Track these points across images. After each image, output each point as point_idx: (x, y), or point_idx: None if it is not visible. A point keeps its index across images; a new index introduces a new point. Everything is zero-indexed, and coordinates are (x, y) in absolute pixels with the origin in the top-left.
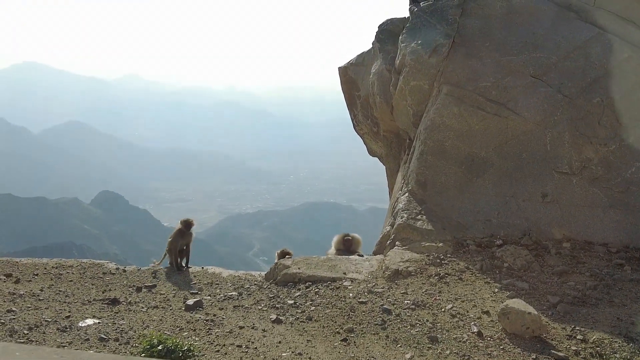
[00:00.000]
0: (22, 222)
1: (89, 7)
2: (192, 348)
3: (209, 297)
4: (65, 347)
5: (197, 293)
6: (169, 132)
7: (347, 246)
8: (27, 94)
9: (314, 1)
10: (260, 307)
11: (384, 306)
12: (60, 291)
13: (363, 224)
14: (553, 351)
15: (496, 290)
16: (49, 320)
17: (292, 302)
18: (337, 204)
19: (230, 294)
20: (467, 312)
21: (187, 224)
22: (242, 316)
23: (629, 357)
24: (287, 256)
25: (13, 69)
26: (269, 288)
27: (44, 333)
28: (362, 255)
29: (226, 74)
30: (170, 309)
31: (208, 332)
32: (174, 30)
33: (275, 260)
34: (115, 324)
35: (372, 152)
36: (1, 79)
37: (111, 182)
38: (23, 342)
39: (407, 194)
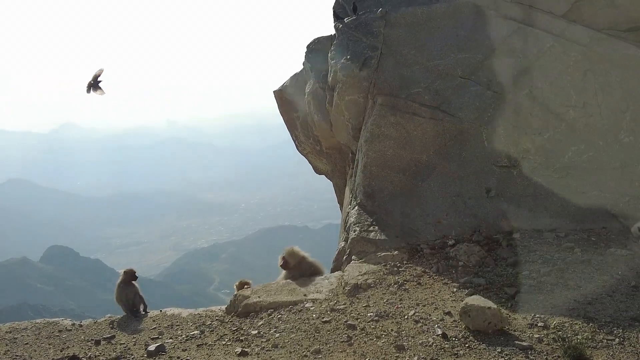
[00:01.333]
0: None
1: (14, 59)
2: None
3: (170, 340)
4: None
5: (158, 337)
6: (112, 177)
7: (284, 264)
8: None
9: (245, 25)
10: (224, 342)
11: (348, 322)
12: (17, 356)
13: (321, 242)
14: (517, 342)
15: (455, 289)
16: None
17: (256, 332)
18: (292, 226)
19: (193, 333)
20: (430, 315)
21: (129, 275)
22: (207, 354)
23: (590, 336)
24: (245, 286)
25: None
26: (231, 321)
27: None
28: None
29: (166, 111)
30: (132, 358)
31: None
32: (105, 71)
33: (235, 292)
34: None
35: (318, 170)
36: None
37: (59, 236)
38: None
39: (356, 207)
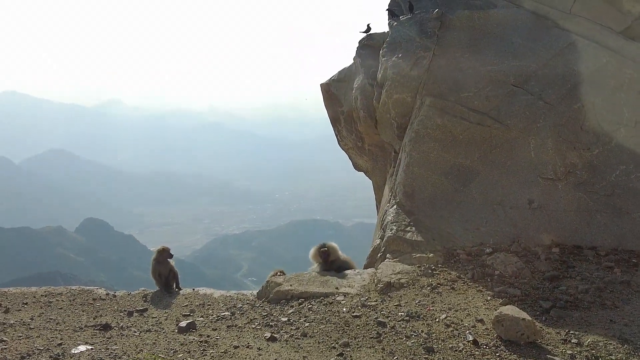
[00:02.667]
0: (6, 253)
1: (67, 35)
2: None
3: (201, 318)
4: None
5: (189, 315)
6: (152, 156)
7: (325, 257)
8: (8, 123)
9: (293, 20)
10: (254, 326)
11: (378, 319)
12: (51, 319)
13: (351, 240)
14: (549, 356)
15: (489, 298)
16: (41, 348)
17: (285, 319)
18: (324, 221)
19: (223, 314)
20: (462, 321)
21: (164, 253)
22: (236, 336)
23: (624, 358)
24: (279, 273)
25: None
26: (262, 306)
27: None
28: (344, 267)
29: (208, 95)
30: (163, 332)
31: (203, 353)
32: (154, 53)
33: (267, 279)
34: (108, 349)
35: (357, 167)
36: None
37: (95, 209)
38: None
39: (395, 207)
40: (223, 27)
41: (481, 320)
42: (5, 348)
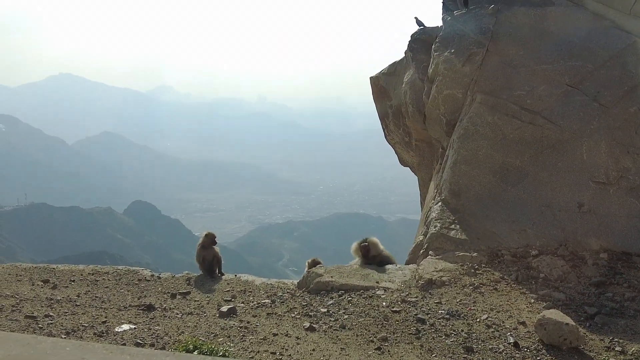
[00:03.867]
0: (57, 231)
1: (122, 21)
2: (227, 354)
3: (242, 305)
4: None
5: (230, 300)
6: (200, 143)
7: (365, 252)
8: (63, 105)
9: (343, 13)
10: (293, 315)
11: (418, 315)
12: (97, 297)
13: (393, 235)
14: None
15: (532, 301)
16: (86, 325)
17: (325, 310)
18: (366, 215)
19: (264, 301)
20: (503, 322)
21: (209, 239)
22: (276, 323)
23: None
24: (317, 265)
25: (49, 80)
26: (302, 296)
27: (81, 338)
28: (385, 262)
29: (257, 85)
30: (205, 316)
31: (242, 338)
32: (206, 44)
33: (306, 270)
34: (150, 329)
35: (403, 162)
36: (38, 91)
37: (144, 192)
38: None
39: (440, 203)
40: (275, 19)
41: (523, 323)
42: (52, 323)
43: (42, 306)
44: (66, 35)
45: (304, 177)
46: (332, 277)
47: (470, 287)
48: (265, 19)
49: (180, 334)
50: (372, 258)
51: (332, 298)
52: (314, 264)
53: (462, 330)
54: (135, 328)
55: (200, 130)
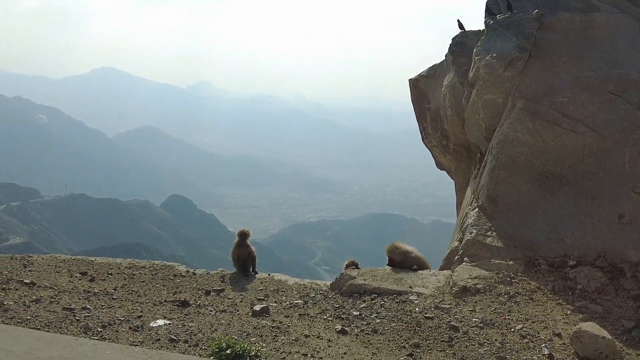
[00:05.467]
0: (95, 222)
1: (164, 18)
2: (259, 354)
3: (275, 304)
4: (139, 346)
5: (263, 299)
6: (237, 139)
7: (391, 262)
8: (104, 98)
9: (385, 13)
10: (325, 317)
11: (451, 323)
12: (133, 291)
13: (426, 237)
14: None
15: (568, 312)
16: (122, 319)
17: (357, 313)
18: (400, 216)
19: (296, 302)
20: (538, 333)
21: (242, 235)
22: (308, 325)
23: None
24: (352, 266)
25: (92, 73)
26: (334, 298)
27: (117, 331)
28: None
29: (294, 83)
30: (238, 314)
31: (274, 338)
32: (245, 41)
33: (342, 270)
34: (184, 325)
35: (440, 165)
36: (81, 84)
37: (180, 186)
38: (97, 339)
39: (477, 210)
40: (314, 18)
41: (559, 335)
42: (89, 316)
43: (79, 298)
44: (111, 29)
45: (338, 176)
46: (365, 279)
47: (506, 296)
48: (305, 17)
49: (213, 332)
50: (402, 263)
51: (364, 301)
52: (351, 265)
53: (496, 340)
54: (169, 324)
55: (237, 127)
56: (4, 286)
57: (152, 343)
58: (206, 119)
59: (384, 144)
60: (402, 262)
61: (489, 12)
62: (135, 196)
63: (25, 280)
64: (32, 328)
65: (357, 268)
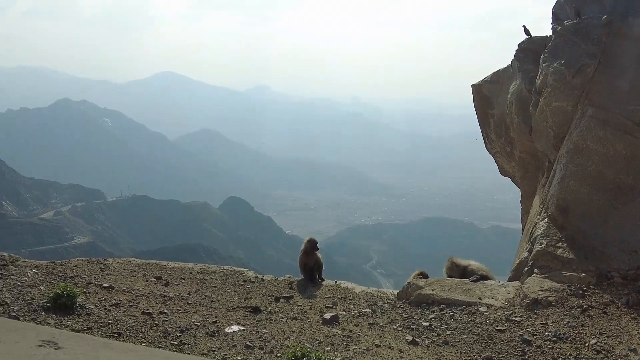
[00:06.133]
0: (156, 222)
1: (223, 22)
2: None
3: (344, 312)
4: (217, 352)
5: (332, 307)
6: (294, 142)
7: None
8: (165, 102)
9: (443, 15)
10: (395, 327)
11: (523, 336)
12: (206, 296)
13: (485, 242)
14: None
15: None
16: (198, 324)
17: (426, 324)
18: (458, 221)
19: (365, 310)
20: (613, 348)
21: (311, 244)
22: (378, 334)
23: None
24: (420, 276)
25: (153, 78)
26: (402, 308)
27: (195, 336)
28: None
29: (351, 86)
30: (308, 322)
31: (346, 347)
32: (303, 43)
33: (409, 280)
34: (258, 332)
35: (503, 172)
36: (142, 88)
37: (238, 188)
38: (177, 344)
39: (546, 220)
40: (370, 20)
41: (634, 350)
42: (167, 320)
43: (156, 303)
44: (171, 35)
45: (394, 179)
46: (432, 290)
47: (578, 309)
48: (363, 20)
49: (286, 339)
50: (462, 276)
51: (433, 312)
52: (419, 275)
53: (570, 355)
54: (244, 330)
55: (294, 130)
56: (84, 290)
57: (229, 349)
58: (264, 122)
59: (441, 147)
60: (461, 277)
61: (556, 17)
62: (195, 198)
63: (104, 284)
64: (114, 332)
65: (425, 278)
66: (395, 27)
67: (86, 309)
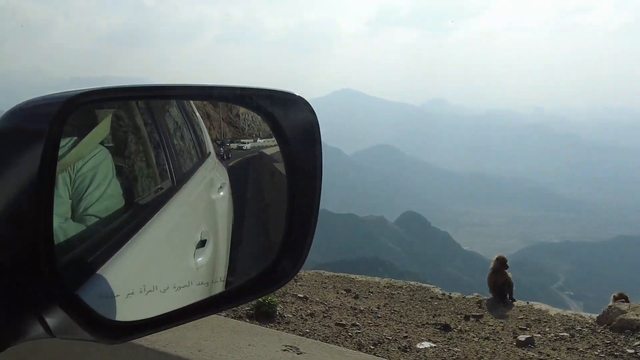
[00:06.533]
0: (335, 235)
1: (398, 38)
2: None
3: (539, 335)
4: None
5: (525, 329)
6: (472, 155)
7: None
8: (342, 118)
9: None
10: (596, 353)
11: None
12: (395, 311)
13: None
14: None
15: None
16: (390, 338)
17: (631, 351)
18: None
19: (562, 334)
20: None
21: (500, 262)
22: None
23: None
24: (621, 299)
25: (332, 95)
26: (604, 333)
27: (387, 350)
28: None
29: (533, 97)
30: (502, 342)
31: None
32: (478, 55)
33: (610, 304)
34: (450, 350)
35: None
36: (322, 106)
37: (414, 203)
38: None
39: None
40: (559, 27)
41: None
42: (359, 332)
43: (348, 315)
44: (348, 53)
45: (583, 193)
46: (637, 315)
47: None
48: (542, 27)
49: (479, 359)
50: None
51: (638, 338)
52: (620, 298)
53: None
54: (435, 347)
55: (472, 143)
56: (281, 299)
57: None
58: (440, 136)
59: (635, 158)
60: None
61: None
62: (372, 212)
63: (299, 295)
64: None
65: (627, 301)
66: (585, 30)
67: (285, 317)
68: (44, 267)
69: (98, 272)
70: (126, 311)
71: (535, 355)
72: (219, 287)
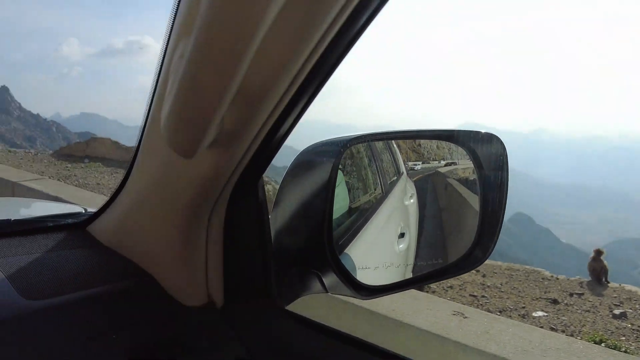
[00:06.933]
0: None
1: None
2: (627, 351)
3: (630, 310)
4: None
5: (619, 305)
6: (569, 175)
7: None
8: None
9: None
10: None
11: None
12: (514, 287)
13: None
14: None
15: None
16: (511, 307)
17: None
18: None
19: None
20: None
21: (596, 253)
22: None
23: None
24: None
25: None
26: None
27: (510, 317)
28: None
29: (619, 121)
30: (600, 315)
31: (636, 339)
32: (579, 83)
33: None
34: (558, 318)
35: None
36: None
37: (524, 206)
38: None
39: None
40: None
41: None
42: (488, 302)
43: (478, 288)
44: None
45: None
46: None
47: None
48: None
49: (582, 326)
50: None
51: None
52: None
53: None
54: (547, 316)
55: (570, 167)
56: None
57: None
58: (544, 159)
59: None
60: None
61: None
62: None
63: None
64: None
65: None
66: None
67: (430, 287)
68: (326, 243)
69: (345, 251)
70: (366, 279)
71: (629, 325)
72: (410, 269)
